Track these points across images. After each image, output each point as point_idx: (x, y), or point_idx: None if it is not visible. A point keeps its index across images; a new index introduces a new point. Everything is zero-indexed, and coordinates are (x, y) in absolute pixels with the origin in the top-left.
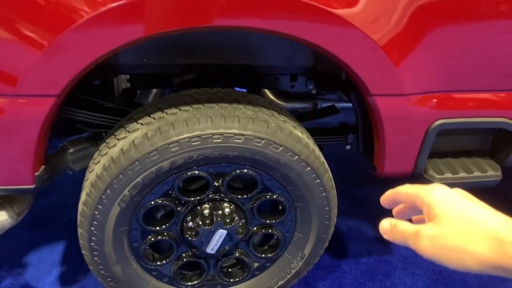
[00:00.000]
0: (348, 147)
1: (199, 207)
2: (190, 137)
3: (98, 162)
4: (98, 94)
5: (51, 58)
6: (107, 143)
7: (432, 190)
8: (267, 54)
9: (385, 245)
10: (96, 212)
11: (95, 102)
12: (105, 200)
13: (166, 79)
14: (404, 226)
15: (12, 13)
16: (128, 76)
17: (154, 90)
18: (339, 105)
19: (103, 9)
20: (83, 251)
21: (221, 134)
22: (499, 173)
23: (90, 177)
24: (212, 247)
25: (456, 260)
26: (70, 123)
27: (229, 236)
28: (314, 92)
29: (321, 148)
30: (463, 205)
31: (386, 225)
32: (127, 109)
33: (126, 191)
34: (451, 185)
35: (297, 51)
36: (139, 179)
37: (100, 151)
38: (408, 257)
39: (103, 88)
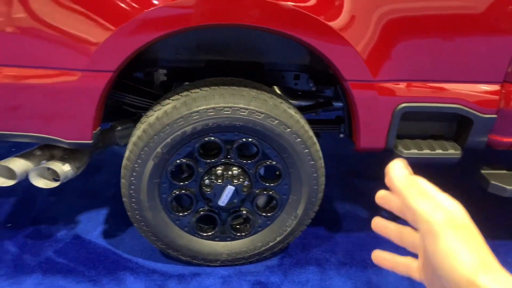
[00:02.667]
0: (341, 135)
1: (213, 169)
2: (207, 109)
3: (139, 128)
4: (141, 85)
5: (113, 42)
6: (146, 115)
7: (430, 218)
8: (272, 52)
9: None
10: (136, 165)
11: (139, 89)
12: (143, 155)
13: (195, 73)
14: (397, 259)
15: (87, 6)
16: (165, 71)
17: (186, 83)
18: (337, 104)
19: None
20: (124, 199)
21: (230, 107)
22: (459, 151)
23: (132, 139)
24: (222, 200)
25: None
26: (116, 110)
27: (236, 192)
28: (313, 89)
29: (318, 135)
30: (452, 244)
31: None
32: (163, 95)
33: (158, 149)
34: (415, 160)
35: (295, 50)
36: (168, 139)
37: (141, 121)
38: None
39: (145, 80)
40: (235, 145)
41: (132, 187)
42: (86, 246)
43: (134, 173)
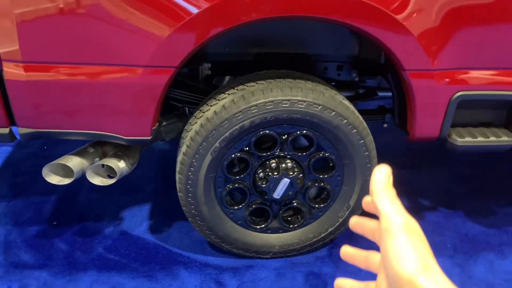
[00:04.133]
0: (385, 125)
1: (267, 162)
2: (266, 102)
3: (195, 123)
4: (187, 79)
5: (178, 36)
6: (201, 110)
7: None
8: (322, 44)
9: (415, 213)
10: (193, 160)
11: (185, 83)
12: (201, 150)
13: (238, 67)
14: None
15: (152, 6)
16: (210, 65)
17: (227, 77)
18: (382, 94)
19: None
20: (180, 194)
21: (288, 100)
22: None
23: (189, 134)
24: (277, 193)
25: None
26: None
27: (291, 184)
28: (356, 79)
29: None
30: (402, 245)
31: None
32: (209, 90)
33: (217, 143)
34: (471, 148)
35: (346, 41)
36: (227, 134)
37: (196, 116)
38: (437, 222)
39: (190, 74)
40: (290, 138)
41: (189, 182)
42: (135, 242)
43: (191, 168)
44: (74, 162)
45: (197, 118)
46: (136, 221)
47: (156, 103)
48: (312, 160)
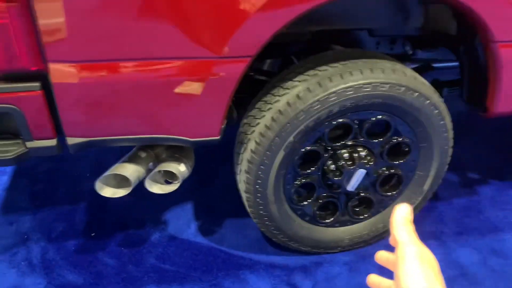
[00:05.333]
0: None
1: (338, 152)
2: (346, 88)
3: (263, 116)
4: None
5: (256, 22)
6: (265, 101)
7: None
8: (386, 17)
9: (472, 188)
10: (264, 158)
11: None
12: (273, 147)
13: (287, 47)
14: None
15: None
16: None
17: (268, 60)
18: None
19: None
20: (247, 194)
21: (370, 83)
22: None
23: (257, 129)
24: (352, 185)
25: None
26: None
27: (367, 175)
28: (410, 52)
29: None
30: (414, 272)
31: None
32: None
33: (291, 138)
34: None
35: (413, 12)
36: (302, 127)
37: (262, 108)
38: (495, 196)
39: None
40: (366, 125)
41: (259, 181)
42: (188, 247)
43: (262, 166)
44: (130, 170)
45: (264, 111)
46: (182, 223)
47: (228, 99)
48: (386, 146)
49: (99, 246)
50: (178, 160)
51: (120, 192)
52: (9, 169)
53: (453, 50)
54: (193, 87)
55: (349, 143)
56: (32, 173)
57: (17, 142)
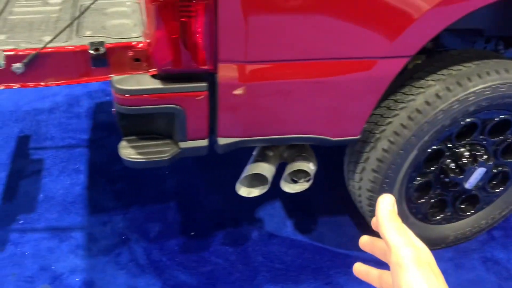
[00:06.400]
0: None
1: (458, 150)
2: (484, 87)
3: (396, 115)
4: None
5: (422, 25)
6: (396, 100)
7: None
8: (497, 17)
9: None
10: (397, 157)
11: None
12: (408, 146)
13: None
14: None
15: None
16: None
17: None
18: None
19: None
20: (370, 193)
21: (506, 83)
22: None
23: (390, 128)
24: (471, 183)
25: None
26: None
27: (485, 174)
28: (502, 51)
29: None
30: (414, 278)
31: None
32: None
33: (426, 137)
34: None
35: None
36: (439, 126)
37: (389, 107)
38: None
39: None
40: (489, 124)
41: (387, 180)
42: (290, 246)
43: (392, 165)
44: (266, 170)
45: (396, 110)
46: (278, 221)
47: (379, 98)
48: (502, 144)
49: (202, 246)
50: (307, 159)
51: (254, 192)
52: (83, 168)
53: None
54: (351, 87)
55: (470, 141)
56: (108, 171)
57: (166, 143)
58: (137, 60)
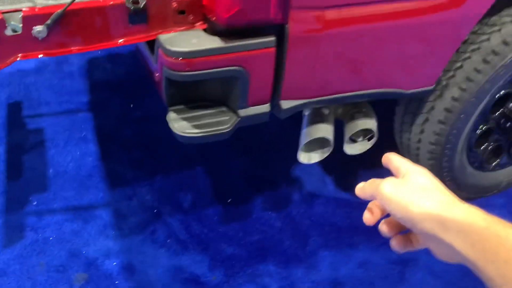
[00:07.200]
0: None
1: None
2: None
3: (467, 58)
4: None
5: None
6: (465, 41)
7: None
8: None
9: None
10: (468, 105)
11: None
12: (481, 93)
13: None
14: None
15: None
16: None
17: None
18: None
19: None
20: (433, 146)
21: None
22: None
23: (461, 73)
24: None
25: (404, 207)
26: None
27: None
28: None
29: None
30: (420, 182)
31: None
32: None
33: (500, 82)
34: None
35: None
36: None
37: (458, 50)
38: None
39: None
40: None
41: (454, 131)
42: (337, 205)
43: (462, 115)
44: (328, 132)
45: (467, 52)
46: (317, 180)
47: (459, 44)
48: None
49: (243, 213)
50: (368, 115)
51: (315, 157)
52: (90, 135)
53: None
54: (439, 28)
55: None
56: (119, 137)
57: (222, 111)
58: (181, 12)
